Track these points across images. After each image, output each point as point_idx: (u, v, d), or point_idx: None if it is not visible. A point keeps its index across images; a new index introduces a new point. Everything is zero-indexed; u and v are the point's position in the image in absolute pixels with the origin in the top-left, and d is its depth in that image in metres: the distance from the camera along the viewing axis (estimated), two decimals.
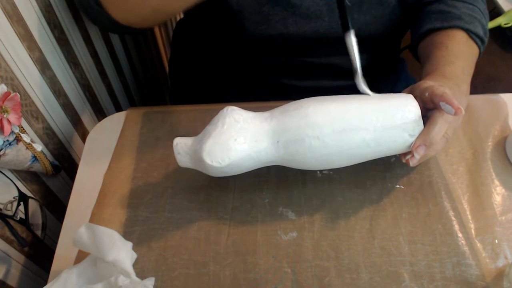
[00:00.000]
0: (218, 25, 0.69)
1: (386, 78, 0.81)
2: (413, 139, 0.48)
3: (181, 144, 0.49)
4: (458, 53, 0.58)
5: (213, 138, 0.47)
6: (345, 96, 0.50)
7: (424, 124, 0.48)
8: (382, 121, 0.47)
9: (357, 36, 0.67)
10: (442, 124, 0.47)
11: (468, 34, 0.60)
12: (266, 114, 0.50)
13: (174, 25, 1.34)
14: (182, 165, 0.50)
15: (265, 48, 0.69)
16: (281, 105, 0.51)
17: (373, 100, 0.49)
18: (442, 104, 0.46)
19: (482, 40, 0.62)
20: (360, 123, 0.47)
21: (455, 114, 0.45)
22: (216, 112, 0.50)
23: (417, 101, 0.49)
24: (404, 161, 0.50)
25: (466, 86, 0.56)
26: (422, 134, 0.48)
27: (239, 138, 0.47)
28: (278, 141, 0.48)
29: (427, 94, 0.48)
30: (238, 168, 0.48)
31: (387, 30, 0.67)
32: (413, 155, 0.48)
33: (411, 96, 0.49)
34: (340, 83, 0.74)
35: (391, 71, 0.82)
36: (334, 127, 0.46)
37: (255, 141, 0.47)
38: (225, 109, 0.49)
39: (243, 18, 0.64)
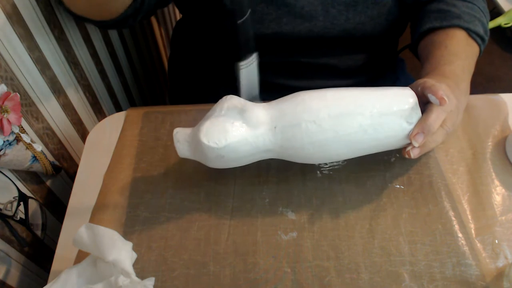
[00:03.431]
0: (213, 24, 0.69)
1: (385, 78, 0.81)
2: (411, 126, 0.48)
3: (181, 133, 0.50)
4: (458, 52, 0.58)
5: (211, 121, 0.47)
6: (342, 88, 0.51)
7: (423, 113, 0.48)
8: (379, 108, 0.47)
9: (352, 35, 0.67)
10: (440, 113, 0.47)
11: (468, 33, 0.60)
12: (264, 103, 0.51)
13: (173, 24, 1.34)
14: (181, 155, 0.51)
15: (259, 48, 0.69)
16: None
17: (369, 90, 0.49)
18: (429, 95, 0.47)
19: (482, 38, 0.61)
20: (356, 108, 0.47)
21: (440, 104, 0.46)
22: None
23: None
24: (406, 155, 0.50)
25: (465, 84, 0.56)
26: (419, 121, 0.48)
27: (237, 121, 0.47)
28: (275, 127, 0.48)
29: (419, 88, 0.49)
30: (235, 153, 0.48)
31: (383, 30, 0.68)
32: (413, 146, 0.48)
33: (408, 87, 0.49)
34: (335, 83, 0.74)
35: (390, 71, 0.82)
36: (330, 111, 0.47)
37: (253, 126, 0.48)
38: (224, 97, 0.50)
39: (236, 17, 0.65)
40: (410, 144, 0.49)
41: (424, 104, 0.49)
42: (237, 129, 0.47)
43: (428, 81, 0.48)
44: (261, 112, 0.49)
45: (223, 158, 0.48)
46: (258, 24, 0.65)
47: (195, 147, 0.49)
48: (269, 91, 0.75)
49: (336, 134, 0.47)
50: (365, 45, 0.71)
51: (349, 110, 0.47)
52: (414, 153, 0.49)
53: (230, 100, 0.49)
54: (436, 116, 0.47)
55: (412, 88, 0.50)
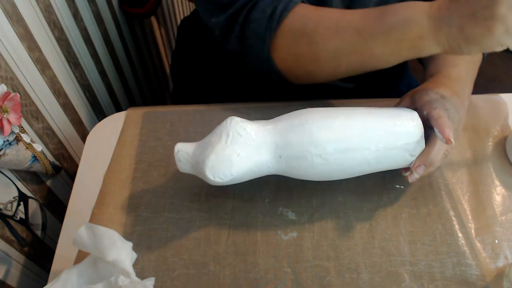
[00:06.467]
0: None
1: (386, 78, 0.81)
2: (413, 158, 0.48)
3: (182, 152, 0.49)
4: (463, 55, 0.57)
5: (215, 153, 0.46)
6: (349, 110, 0.49)
7: (426, 142, 0.48)
8: (385, 141, 0.47)
9: None
10: (442, 144, 0.47)
11: None
12: (269, 126, 0.49)
13: (174, 25, 1.34)
14: (183, 171, 0.50)
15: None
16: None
17: (377, 118, 0.48)
18: (435, 130, 0.46)
19: None
20: (363, 143, 0.47)
21: (446, 143, 0.45)
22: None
23: (418, 113, 0.48)
24: (404, 175, 0.50)
25: (469, 89, 0.56)
26: (422, 154, 0.48)
27: (242, 152, 0.47)
28: (280, 156, 0.48)
29: (425, 113, 0.48)
30: (239, 180, 0.49)
31: None
32: (412, 173, 0.48)
33: (416, 114, 0.48)
34: (336, 88, 0.74)
35: (391, 72, 0.82)
36: (337, 146, 0.46)
37: (258, 156, 0.47)
38: (228, 120, 0.48)
39: None
40: (409, 169, 0.49)
41: (429, 127, 0.49)
42: (242, 160, 0.47)
43: (434, 107, 0.47)
44: (266, 139, 0.48)
45: (225, 184, 0.49)
46: None
47: (198, 172, 0.48)
48: (268, 98, 0.75)
49: (341, 166, 0.48)
50: None
51: (355, 144, 0.47)
52: (412, 179, 0.49)
53: (234, 126, 0.47)
54: (439, 148, 0.47)
55: (417, 104, 0.49)
